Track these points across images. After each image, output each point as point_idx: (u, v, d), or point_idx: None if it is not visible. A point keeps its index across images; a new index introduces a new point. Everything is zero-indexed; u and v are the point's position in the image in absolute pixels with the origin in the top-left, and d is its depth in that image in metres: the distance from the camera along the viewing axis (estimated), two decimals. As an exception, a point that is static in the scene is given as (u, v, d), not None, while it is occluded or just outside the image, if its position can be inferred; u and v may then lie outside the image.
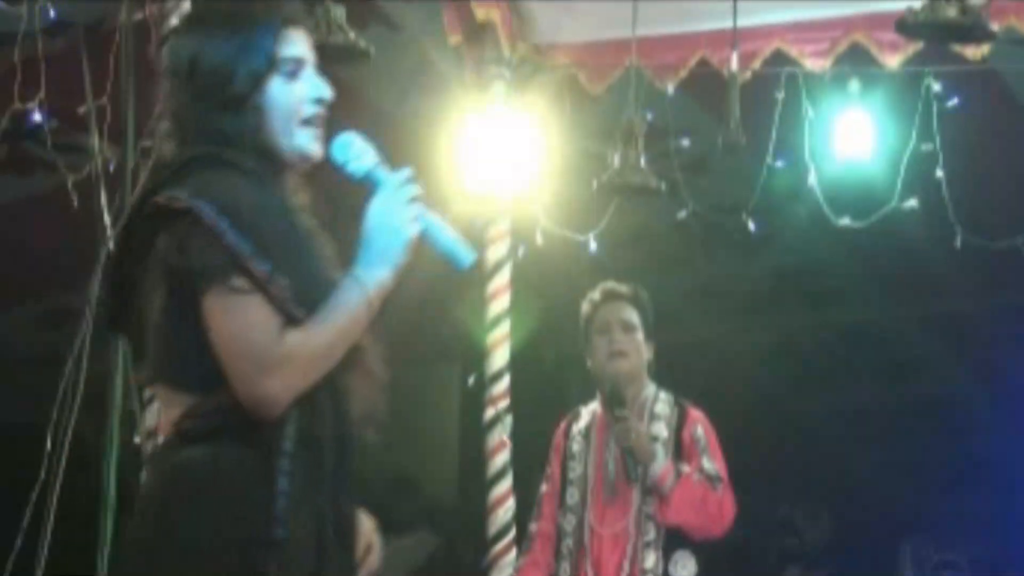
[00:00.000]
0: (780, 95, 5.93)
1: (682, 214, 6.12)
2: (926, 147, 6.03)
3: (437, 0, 5.99)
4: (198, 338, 2.57)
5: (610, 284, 5.18)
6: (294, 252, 2.61)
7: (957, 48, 5.57)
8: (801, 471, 8.69)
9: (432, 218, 2.73)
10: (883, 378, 8.76)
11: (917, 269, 7.58)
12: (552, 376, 8.26)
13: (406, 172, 2.72)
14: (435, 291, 7.03)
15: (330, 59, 5.26)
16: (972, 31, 5.07)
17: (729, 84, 5.50)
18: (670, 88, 5.95)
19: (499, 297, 6.03)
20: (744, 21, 5.65)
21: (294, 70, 2.72)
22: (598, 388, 5.16)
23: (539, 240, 6.02)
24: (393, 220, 2.67)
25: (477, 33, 5.99)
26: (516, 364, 6.00)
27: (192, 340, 2.57)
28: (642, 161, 5.55)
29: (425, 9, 6.31)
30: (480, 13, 5.88)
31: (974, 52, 5.58)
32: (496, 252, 6.05)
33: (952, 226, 5.97)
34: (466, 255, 2.76)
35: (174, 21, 4.23)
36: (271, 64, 2.69)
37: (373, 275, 2.66)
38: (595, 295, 5.19)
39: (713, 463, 5.01)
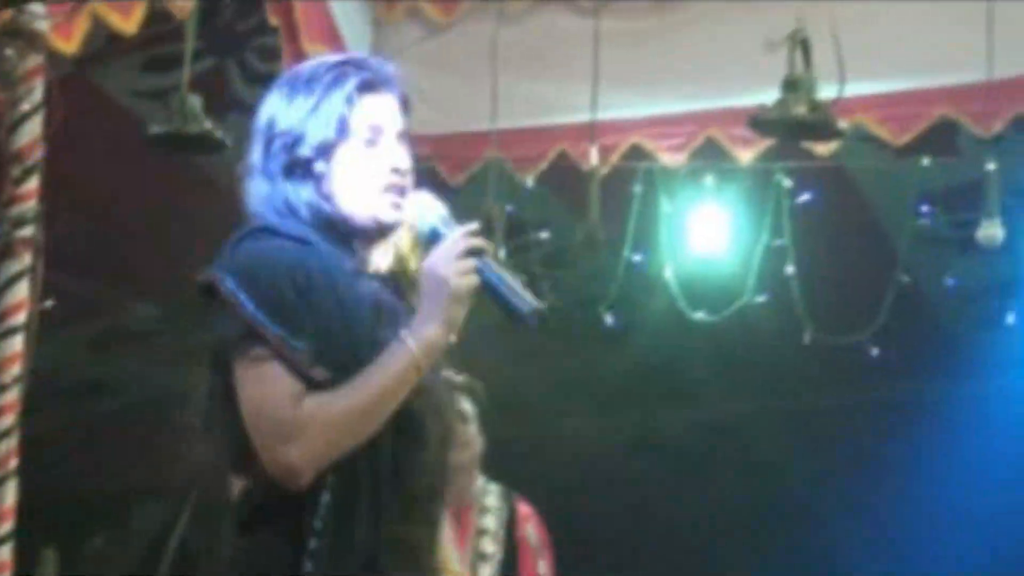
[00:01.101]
0: (637, 189, 6.01)
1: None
2: (778, 242, 6.14)
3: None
4: (235, 417, 2.48)
5: (445, 374, 5.17)
6: (329, 317, 2.47)
7: (808, 145, 5.68)
8: (663, 566, 8.70)
9: (493, 270, 2.56)
10: (740, 472, 8.82)
11: (769, 364, 7.68)
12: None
13: (471, 225, 2.59)
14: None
15: (186, 148, 5.29)
16: (821, 128, 5.19)
17: (589, 178, 5.56)
18: (529, 181, 5.99)
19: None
20: (603, 115, 5.73)
21: (372, 138, 2.61)
22: None
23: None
24: (443, 275, 2.52)
25: (337, 123, 5.99)
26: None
27: (231, 419, 2.50)
28: (501, 254, 5.57)
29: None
30: (340, 102, 5.88)
31: (824, 149, 5.70)
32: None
33: (801, 322, 6.07)
34: (528, 307, 2.57)
35: (25, 107, 4.16)
36: (343, 130, 2.59)
37: (421, 333, 2.50)
38: None
39: (546, 565, 5.04)
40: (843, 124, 5.31)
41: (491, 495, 5.07)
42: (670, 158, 5.94)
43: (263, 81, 6.68)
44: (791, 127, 5.20)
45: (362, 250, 2.63)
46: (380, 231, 2.63)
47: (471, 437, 5.06)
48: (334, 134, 2.58)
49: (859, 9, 5.41)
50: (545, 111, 5.93)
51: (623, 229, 5.97)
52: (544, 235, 6.22)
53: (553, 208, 6.30)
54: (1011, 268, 6.37)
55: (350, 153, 2.59)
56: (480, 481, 5.09)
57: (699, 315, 6.30)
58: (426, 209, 2.64)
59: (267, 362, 2.44)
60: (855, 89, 5.24)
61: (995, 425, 7.44)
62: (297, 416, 2.42)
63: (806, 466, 8.49)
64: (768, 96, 5.18)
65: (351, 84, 2.61)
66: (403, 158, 2.64)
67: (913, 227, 6.58)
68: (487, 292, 2.55)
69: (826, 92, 5.14)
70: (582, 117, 5.67)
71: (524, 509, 5.11)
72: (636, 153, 5.91)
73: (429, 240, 2.61)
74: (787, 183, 6.18)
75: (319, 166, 2.58)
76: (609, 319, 6.21)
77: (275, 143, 2.59)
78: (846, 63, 5.09)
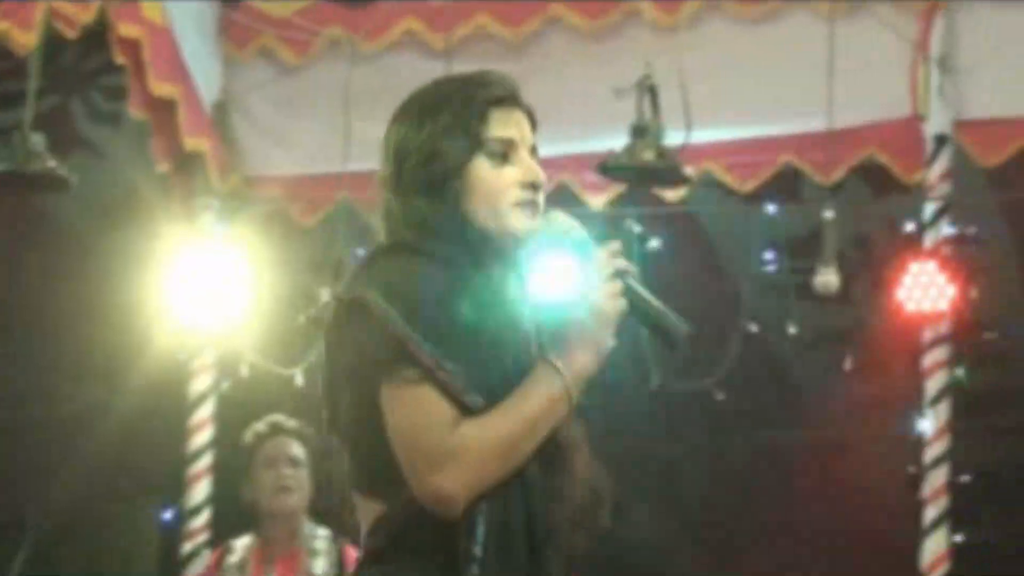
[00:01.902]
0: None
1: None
2: (628, 287, 6.18)
3: (145, 129, 5.92)
4: (380, 440, 2.37)
5: (277, 417, 5.15)
6: (477, 339, 2.38)
7: (658, 190, 5.75)
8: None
9: (640, 292, 2.49)
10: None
11: (619, 409, 7.72)
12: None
13: (614, 245, 2.52)
14: (137, 424, 6.88)
15: (28, 187, 5.20)
16: (668, 174, 5.26)
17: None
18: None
19: (201, 430, 5.96)
20: (452, 159, 5.74)
21: (504, 152, 2.53)
22: (256, 521, 5.09)
23: (244, 373, 5.95)
24: (593, 297, 2.46)
25: (186, 163, 5.94)
26: (218, 498, 5.88)
27: (374, 442, 2.38)
28: (348, 294, 5.54)
29: (132, 137, 6.24)
30: (189, 143, 5.83)
31: (673, 195, 5.77)
32: (199, 385, 5.98)
33: (648, 368, 6.12)
34: (680, 331, 2.50)
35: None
36: (477, 145, 2.50)
37: (571, 360, 2.44)
38: (261, 427, 5.13)
39: None
40: (690, 171, 5.39)
41: (319, 539, 5.07)
42: (521, 202, 5.95)
43: (108, 120, 6.66)
44: (639, 173, 5.27)
45: (497, 266, 2.53)
46: (513, 246, 2.53)
47: (302, 482, 5.05)
48: (468, 150, 2.50)
49: (706, 58, 5.50)
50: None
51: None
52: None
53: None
54: (847, 315, 6.49)
55: (483, 169, 2.51)
56: (309, 526, 5.08)
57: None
58: (563, 228, 2.56)
59: (420, 385, 2.34)
60: (702, 136, 5.33)
61: (835, 471, 7.56)
62: (452, 442, 2.33)
63: (656, 509, 8.54)
64: (618, 142, 5.24)
65: (482, 99, 2.53)
66: (536, 173, 2.57)
67: (758, 274, 6.69)
68: (636, 315, 2.48)
69: (674, 139, 5.23)
70: (434, 160, 5.68)
71: (353, 553, 5.10)
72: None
73: (567, 260, 2.53)
74: (637, 228, 6.25)
75: (455, 183, 2.49)
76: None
77: (408, 161, 2.50)
78: (693, 111, 5.17)
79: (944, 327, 5.39)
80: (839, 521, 7.47)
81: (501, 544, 2.36)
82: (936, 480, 5.34)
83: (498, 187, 2.50)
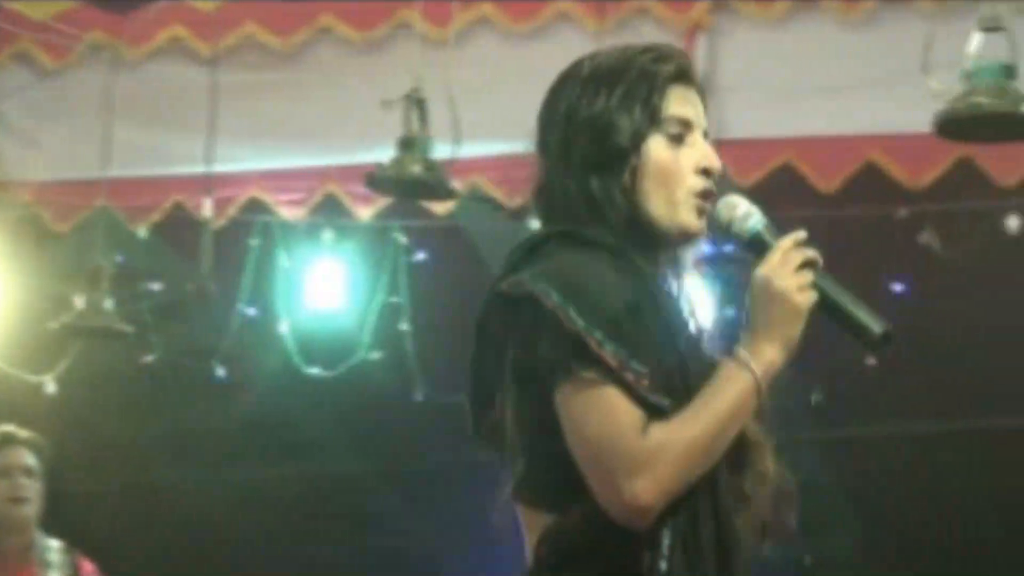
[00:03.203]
0: (255, 243, 5.97)
1: (149, 358, 6.03)
2: (394, 300, 6.19)
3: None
4: (551, 445, 2.20)
5: (8, 428, 5.05)
6: (657, 336, 2.22)
7: (426, 203, 5.76)
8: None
9: (831, 284, 2.29)
10: (354, 530, 8.81)
11: (383, 421, 7.72)
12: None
13: (799, 233, 2.30)
14: None
15: None
16: (436, 188, 5.27)
17: (202, 230, 5.49)
18: (142, 231, 5.87)
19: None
20: (221, 167, 5.68)
21: (680, 133, 2.33)
22: None
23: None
24: (781, 289, 2.24)
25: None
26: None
27: (545, 448, 2.21)
28: (109, 303, 5.44)
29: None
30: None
31: (442, 208, 5.78)
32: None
33: (413, 379, 6.13)
34: (876, 326, 2.28)
35: None
36: (655, 121, 2.32)
37: (760, 355, 2.23)
38: None
39: None
40: (458, 184, 5.41)
41: (52, 551, 4.99)
42: (289, 212, 5.92)
43: None
44: (406, 186, 5.26)
45: (665, 258, 2.36)
46: (682, 240, 2.35)
47: (35, 492, 4.97)
48: (647, 124, 2.32)
49: (475, 73, 5.52)
50: (161, 161, 5.83)
51: (238, 282, 5.91)
52: (156, 286, 6.10)
53: (166, 259, 6.19)
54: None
55: (659, 149, 2.32)
56: (40, 537, 4.99)
57: (314, 370, 6.29)
58: (744, 213, 2.34)
59: (604, 386, 2.16)
60: (471, 151, 5.35)
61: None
62: (644, 447, 2.15)
63: (417, 525, 8.54)
64: (387, 155, 5.23)
65: (663, 73, 2.35)
66: (714, 158, 2.35)
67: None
68: (828, 310, 2.29)
69: (442, 152, 5.24)
70: (199, 168, 5.60)
71: (87, 566, 5.06)
72: (255, 207, 5.87)
73: (749, 247, 2.34)
74: (404, 241, 6.25)
75: (631, 160, 2.31)
76: (221, 372, 6.13)
77: (580, 133, 2.32)
78: (463, 125, 5.19)
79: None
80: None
81: (688, 554, 2.21)
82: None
83: (674, 170, 2.33)
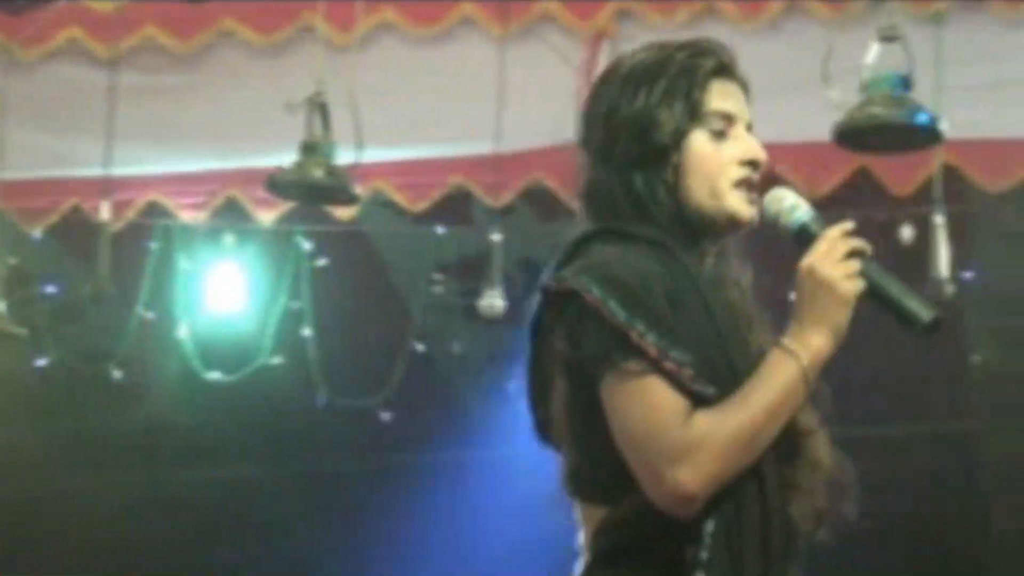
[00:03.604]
0: (154, 246, 5.91)
1: (44, 361, 5.95)
2: (296, 304, 6.16)
3: None
4: (600, 438, 2.20)
5: None
6: (701, 326, 2.23)
7: (329, 208, 5.73)
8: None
9: (879, 273, 2.29)
10: (255, 535, 8.76)
11: (284, 426, 7.67)
12: None
13: (846, 224, 2.29)
14: None
15: None
16: (338, 192, 5.24)
17: (99, 233, 5.43)
18: (37, 233, 5.79)
19: None
20: (120, 170, 5.62)
21: (722, 128, 2.33)
22: None
23: None
24: (828, 277, 2.24)
25: None
26: None
27: (595, 441, 2.21)
28: (2, 306, 5.36)
29: None
30: None
31: (345, 213, 5.76)
32: None
33: (315, 384, 6.10)
34: (925, 313, 2.27)
35: None
36: (696, 116, 2.32)
37: (807, 343, 2.23)
38: None
39: None
40: (360, 189, 5.38)
41: None
42: (189, 216, 5.87)
43: None
44: (308, 190, 5.23)
45: (714, 249, 2.38)
46: (731, 229, 2.36)
47: None
48: (688, 120, 2.32)
49: (378, 77, 5.50)
50: (58, 163, 5.76)
51: (137, 286, 5.85)
52: (51, 289, 6.02)
53: (63, 262, 6.11)
54: (512, 338, 6.57)
55: (702, 143, 2.33)
56: None
57: (214, 375, 6.24)
58: (791, 205, 2.35)
59: (646, 376, 2.16)
60: (374, 155, 5.33)
61: (501, 491, 7.65)
62: (688, 435, 2.15)
63: (318, 529, 8.50)
64: (289, 159, 5.20)
65: (703, 68, 2.35)
66: (758, 151, 2.35)
67: (427, 294, 6.73)
68: (876, 297, 2.28)
69: (345, 157, 5.21)
70: (97, 171, 5.53)
71: None
72: (154, 210, 5.81)
73: (796, 239, 2.34)
74: (307, 245, 6.22)
75: (674, 156, 2.31)
76: (119, 375, 6.06)
77: (622, 131, 2.32)
78: (366, 130, 5.17)
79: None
80: (497, 540, 7.57)
81: (731, 544, 2.21)
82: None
83: (717, 164, 2.33)
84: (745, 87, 2.40)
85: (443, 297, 6.85)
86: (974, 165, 5.17)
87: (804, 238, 2.31)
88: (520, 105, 5.41)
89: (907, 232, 5.50)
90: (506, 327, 6.02)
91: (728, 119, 2.35)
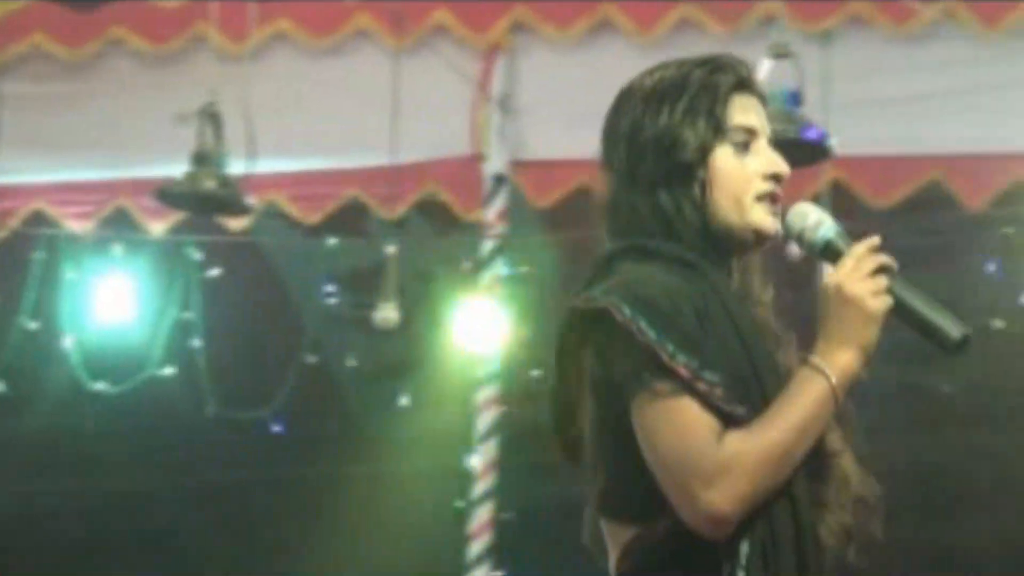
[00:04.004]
0: (38, 256, 5.82)
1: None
2: (186, 315, 6.09)
3: None
4: (631, 458, 2.18)
5: None
6: (730, 345, 2.21)
7: (221, 219, 5.67)
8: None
9: (906, 290, 2.26)
10: (143, 546, 8.66)
11: (173, 437, 7.60)
12: None
13: (873, 240, 2.27)
14: None
15: None
16: (230, 203, 5.19)
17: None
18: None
19: None
20: (4, 179, 5.53)
21: (745, 141, 2.33)
22: None
23: None
24: (854, 294, 2.23)
25: None
26: None
27: (625, 462, 2.19)
28: None
29: None
30: None
31: (237, 224, 5.71)
32: None
33: (205, 395, 6.04)
34: (955, 330, 2.24)
35: None
36: (720, 132, 2.31)
37: (835, 361, 2.22)
38: None
39: None
40: (254, 201, 5.34)
41: None
42: (76, 225, 5.78)
43: None
44: (199, 201, 5.18)
45: (738, 266, 2.36)
46: (757, 243, 2.35)
47: None
48: (712, 136, 2.31)
49: (272, 88, 5.47)
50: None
51: (20, 296, 5.76)
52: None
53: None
54: (406, 350, 6.57)
55: (726, 159, 2.32)
56: None
57: (100, 385, 6.16)
58: (816, 221, 2.33)
59: (677, 397, 2.15)
60: (267, 167, 5.29)
61: (391, 505, 7.64)
62: (720, 457, 2.13)
63: (207, 541, 8.42)
64: (181, 169, 5.14)
65: (724, 83, 2.34)
66: (780, 164, 2.35)
67: (320, 306, 6.69)
68: (904, 314, 2.25)
69: (238, 168, 5.17)
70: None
71: None
72: (39, 219, 5.72)
73: (821, 255, 2.31)
74: (197, 256, 6.16)
75: (699, 172, 2.30)
76: (1, 386, 5.96)
77: (646, 150, 2.30)
78: (259, 141, 5.13)
79: (495, 364, 5.51)
80: (388, 554, 7.55)
81: (767, 564, 2.19)
82: (482, 516, 5.45)
83: (742, 178, 2.33)
84: (763, 100, 2.41)
85: (336, 309, 6.82)
86: (861, 181, 5.24)
87: (830, 254, 2.30)
88: (415, 117, 5.40)
89: (794, 249, 5.57)
90: (399, 339, 6.02)
91: (751, 133, 2.36)
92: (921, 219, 5.42)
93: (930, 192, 5.25)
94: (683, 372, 2.16)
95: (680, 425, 2.16)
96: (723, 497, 2.14)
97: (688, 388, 2.16)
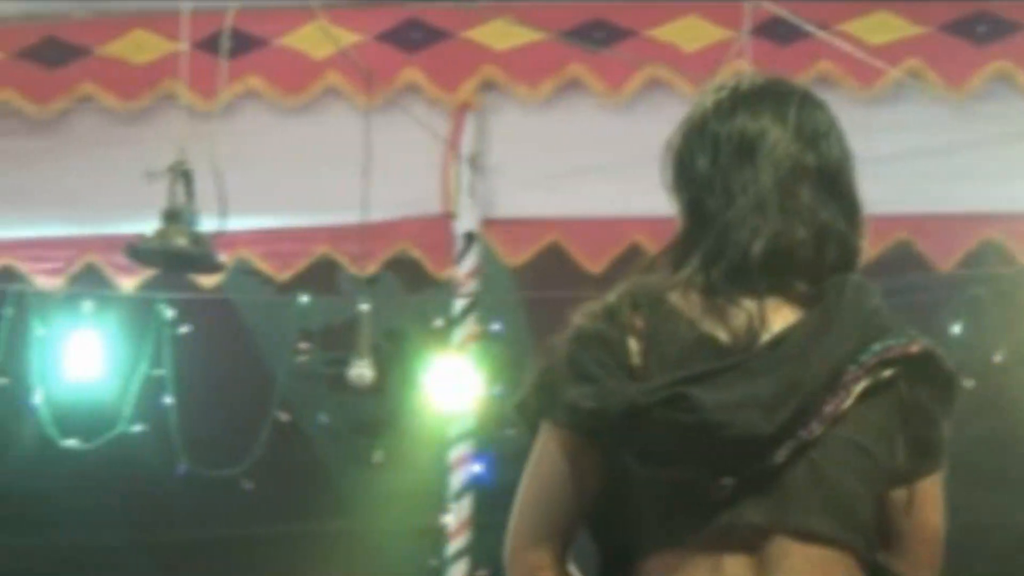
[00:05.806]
0: (8, 312, 5.81)
1: None
2: (157, 372, 6.07)
3: None
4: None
5: None
6: None
7: (192, 276, 5.66)
8: None
9: None
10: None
11: (143, 495, 7.56)
12: None
13: None
14: None
15: None
16: (202, 261, 5.17)
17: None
18: None
19: None
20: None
21: None
22: None
23: None
24: None
25: None
26: None
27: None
28: None
29: None
30: None
31: (209, 281, 5.69)
32: None
33: (176, 453, 6.01)
34: None
35: None
36: None
37: None
38: None
39: None
40: (225, 258, 5.33)
41: None
42: (46, 282, 5.76)
43: None
44: (170, 258, 5.15)
45: None
46: None
47: None
48: None
49: (243, 146, 5.46)
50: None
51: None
52: None
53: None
54: (380, 407, 6.56)
55: None
56: None
57: (71, 442, 6.13)
58: None
59: None
60: (239, 224, 5.27)
61: (364, 562, 7.60)
62: None
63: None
64: (152, 225, 5.13)
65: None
66: None
67: (292, 363, 6.68)
68: None
69: (209, 225, 5.15)
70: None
71: None
72: (8, 275, 5.70)
73: None
74: (169, 313, 6.14)
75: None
76: (-30, 443, 5.93)
77: (853, 179, 2.31)
78: (231, 198, 5.12)
79: (468, 422, 5.49)
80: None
81: None
82: (456, 574, 5.42)
83: None
84: None
85: (308, 366, 6.81)
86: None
87: None
88: (386, 175, 5.39)
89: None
90: (373, 397, 6.00)
91: None
92: (891, 279, 5.43)
93: (899, 252, 5.26)
94: None
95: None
96: None
97: None
